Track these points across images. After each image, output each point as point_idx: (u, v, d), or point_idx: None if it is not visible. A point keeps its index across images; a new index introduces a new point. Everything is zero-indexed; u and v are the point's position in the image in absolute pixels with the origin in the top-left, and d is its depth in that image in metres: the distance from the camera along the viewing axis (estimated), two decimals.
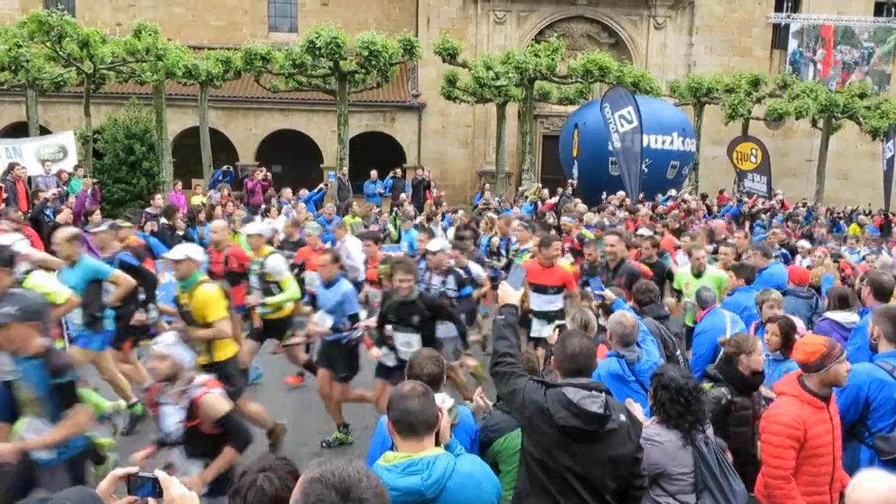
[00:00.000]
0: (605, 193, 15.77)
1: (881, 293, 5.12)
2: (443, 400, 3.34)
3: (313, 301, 6.74)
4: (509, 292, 3.39)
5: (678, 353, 4.80)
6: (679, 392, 3.20)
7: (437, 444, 2.77)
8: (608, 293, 5.09)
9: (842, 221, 18.91)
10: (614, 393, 3.49)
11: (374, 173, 17.51)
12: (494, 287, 6.37)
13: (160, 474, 1.83)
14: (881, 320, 3.93)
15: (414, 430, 2.58)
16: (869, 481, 2.12)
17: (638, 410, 3.29)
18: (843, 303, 5.43)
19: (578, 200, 14.97)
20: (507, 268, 8.31)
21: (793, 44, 26.43)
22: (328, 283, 5.95)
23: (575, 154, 19.57)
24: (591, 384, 2.95)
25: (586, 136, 18.78)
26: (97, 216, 10.00)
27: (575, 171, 19.36)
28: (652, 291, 5.26)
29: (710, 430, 3.35)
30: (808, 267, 8.37)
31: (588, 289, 5.75)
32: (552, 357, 3.71)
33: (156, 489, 1.81)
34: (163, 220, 10.25)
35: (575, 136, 19.79)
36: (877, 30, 26.48)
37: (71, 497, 1.61)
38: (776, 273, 7.17)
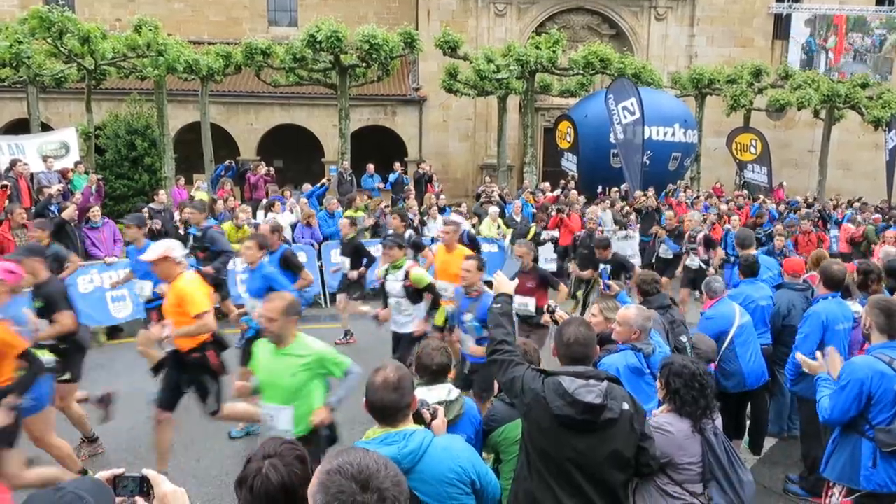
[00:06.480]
0: (600, 187, 15.75)
1: (832, 282, 5.16)
2: (448, 391, 3.36)
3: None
4: (504, 282, 3.46)
5: (683, 338, 4.81)
6: (693, 377, 3.22)
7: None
8: (613, 284, 5.11)
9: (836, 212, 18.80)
10: (630, 385, 3.51)
11: (370, 167, 17.22)
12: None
13: (148, 473, 1.77)
14: (874, 311, 3.87)
15: (385, 418, 2.72)
16: None
17: None
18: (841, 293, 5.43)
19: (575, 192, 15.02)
20: None
21: (805, 32, 26.31)
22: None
23: (566, 146, 19.49)
24: (590, 373, 2.93)
25: (588, 129, 18.71)
26: (96, 213, 10.06)
27: (568, 164, 19.30)
28: (657, 282, 5.28)
29: (718, 421, 3.36)
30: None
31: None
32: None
33: (143, 488, 1.76)
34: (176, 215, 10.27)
35: (562, 127, 19.71)
36: (888, 18, 26.34)
37: (85, 486, 1.61)
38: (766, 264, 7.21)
